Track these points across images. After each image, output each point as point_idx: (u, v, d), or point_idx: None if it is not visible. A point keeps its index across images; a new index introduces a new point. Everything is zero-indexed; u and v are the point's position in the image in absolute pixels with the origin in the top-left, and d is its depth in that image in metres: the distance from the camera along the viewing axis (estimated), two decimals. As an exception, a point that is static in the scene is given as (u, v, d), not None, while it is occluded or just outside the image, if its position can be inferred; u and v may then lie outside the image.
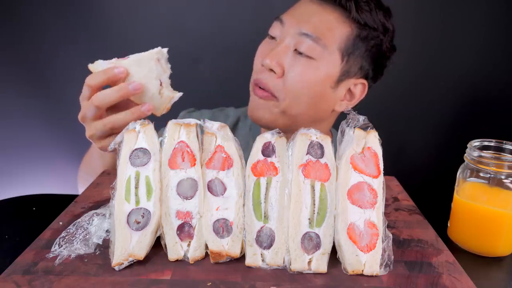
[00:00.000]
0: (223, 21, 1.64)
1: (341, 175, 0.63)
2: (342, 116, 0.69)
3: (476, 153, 0.76)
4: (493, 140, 0.80)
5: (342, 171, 0.63)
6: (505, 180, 0.75)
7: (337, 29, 0.92)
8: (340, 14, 0.93)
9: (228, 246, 0.63)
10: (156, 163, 0.64)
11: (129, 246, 0.61)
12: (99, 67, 0.74)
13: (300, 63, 0.92)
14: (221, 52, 1.67)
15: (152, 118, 0.76)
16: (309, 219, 0.62)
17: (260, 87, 0.96)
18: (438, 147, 1.72)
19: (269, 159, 0.65)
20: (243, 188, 0.65)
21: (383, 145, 0.64)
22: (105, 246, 0.65)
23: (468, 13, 1.57)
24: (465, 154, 0.78)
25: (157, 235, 0.65)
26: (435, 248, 0.69)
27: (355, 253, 0.60)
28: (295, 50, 0.93)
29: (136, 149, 0.65)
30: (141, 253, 0.62)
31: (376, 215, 0.62)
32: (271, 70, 0.93)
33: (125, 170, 0.64)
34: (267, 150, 0.65)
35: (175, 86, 0.81)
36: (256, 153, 0.65)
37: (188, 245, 0.64)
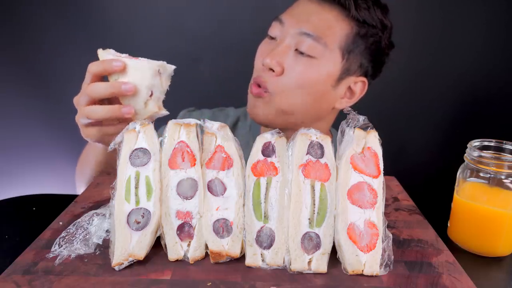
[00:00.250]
0: (223, 21, 1.64)
1: (341, 175, 0.63)
2: (342, 116, 0.68)
3: (476, 153, 0.76)
4: (493, 140, 0.80)
5: (342, 171, 0.63)
6: (505, 180, 0.75)
7: (337, 27, 0.93)
8: (339, 12, 0.93)
9: (228, 246, 0.63)
10: (156, 163, 0.64)
11: (129, 246, 0.61)
12: (106, 56, 0.74)
13: (301, 63, 0.92)
14: (221, 52, 1.67)
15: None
16: (309, 219, 0.62)
17: (257, 85, 0.96)
18: (438, 147, 1.72)
19: (269, 159, 0.65)
20: (243, 188, 0.65)
21: (383, 145, 0.64)
22: (105, 246, 0.65)
23: (468, 12, 1.57)
24: (465, 154, 0.78)
25: (157, 235, 0.65)
26: (435, 248, 0.69)
27: (355, 253, 0.60)
28: (296, 50, 0.93)
29: (136, 149, 0.65)
30: (141, 253, 0.62)
31: (376, 215, 0.62)
32: (271, 69, 0.93)
33: (125, 170, 0.64)
34: (267, 150, 0.65)
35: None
36: (256, 153, 0.65)
37: (188, 245, 0.64)
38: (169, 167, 0.64)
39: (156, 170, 0.64)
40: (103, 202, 0.79)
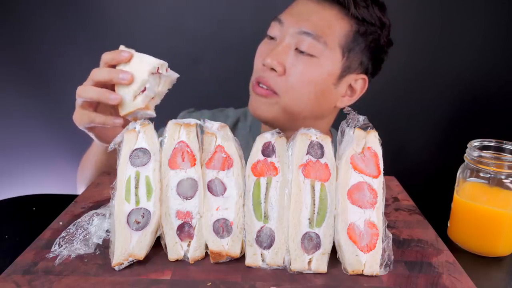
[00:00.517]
0: (223, 21, 1.64)
1: (341, 175, 0.63)
2: (342, 116, 0.68)
3: (476, 153, 0.76)
4: (493, 140, 0.80)
5: (342, 171, 0.63)
6: (505, 180, 0.75)
7: (336, 26, 0.93)
8: (338, 11, 0.94)
9: (228, 246, 0.63)
10: (156, 163, 0.64)
11: (129, 246, 0.61)
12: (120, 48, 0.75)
13: (302, 62, 0.92)
14: (221, 52, 1.67)
15: (151, 118, 0.76)
16: (309, 219, 0.62)
17: (260, 85, 0.96)
18: (438, 147, 1.72)
19: (269, 159, 0.65)
20: (243, 188, 0.65)
21: (383, 145, 0.64)
22: (105, 246, 0.65)
23: (467, 11, 1.57)
24: (465, 154, 0.78)
25: (157, 235, 0.65)
26: (435, 248, 0.69)
27: (355, 253, 0.60)
28: (296, 49, 0.93)
29: (136, 149, 0.65)
30: (141, 253, 0.62)
31: (376, 215, 0.62)
32: (273, 69, 0.93)
33: (125, 170, 0.64)
34: (267, 150, 0.65)
35: (175, 86, 0.81)
36: (256, 153, 0.65)
37: (188, 245, 0.64)
38: (169, 167, 0.64)
39: (156, 170, 0.64)
40: (103, 202, 0.79)
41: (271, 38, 0.98)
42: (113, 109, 0.81)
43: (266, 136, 0.66)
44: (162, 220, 0.64)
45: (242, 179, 0.65)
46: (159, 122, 0.75)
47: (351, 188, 0.62)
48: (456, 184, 0.81)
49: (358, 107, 0.75)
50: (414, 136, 1.72)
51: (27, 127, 1.75)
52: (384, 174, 0.64)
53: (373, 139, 0.64)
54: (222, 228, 0.64)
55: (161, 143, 0.66)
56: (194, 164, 0.65)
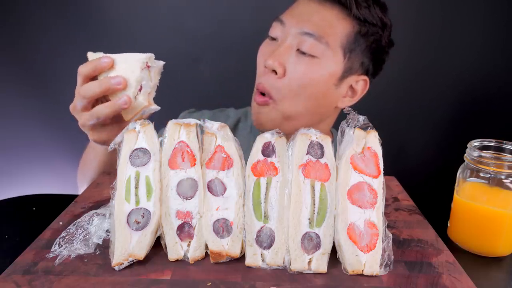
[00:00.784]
0: (223, 21, 1.64)
1: (341, 175, 0.63)
2: (342, 116, 0.68)
3: (476, 153, 0.76)
4: (493, 140, 0.80)
5: (342, 171, 0.63)
6: (505, 180, 0.75)
7: (338, 26, 0.93)
8: (339, 11, 0.93)
9: (228, 246, 0.63)
10: (156, 163, 0.64)
11: (129, 246, 0.61)
12: (90, 56, 0.74)
13: (304, 63, 0.92)
14: (221, 52, 1.67)
15: (151, 117, 0.76)
16: (309, 219, 0.62)
17: (260, 93, 0.96)
18: (438, 147, 1.72)
19: (269, 159, 0.65)
20: (243, 188, 0.65)
21: (383, 145, 0.64)
22: (105, 246, 0.65)
23: (468, 12, 1.57)
24: (465, 154, 0.78)
25: (157, 235, 0.65)
26: (435, 248, 0.69)
27: (355, 253, 0.60)
28: (298, 50, 0.93)
29: (136, 149, 0.65)
30: (141, 253, 0.62)
31: (376, 215, 0.62)
32: (273, 71, 0.93)
33: (125, 170, 0.64)
34: (267, 150, 0.65)
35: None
36: (256, 153, 0.65)
37: (188, 245, 0.64)
38: (169, 167, 0.64)
39: (156, 170, 0.64)
40: (103, 202, 0.79)
41: (273, 38, 0.98)
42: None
43: (266, 136, 0.66)
44: (162, 220, 0.64)
45: (242, 179, 0.65)
46: (159, 123, 0.75)
47: (351, 188, 0.62)
48: (456, 184, 0.81)
49: (358, 107, 0.75)
50: (414, 136, 1.72)
51: (27, 127, 1.75)
52: (384, 174, 0.63)
53: (373, 139, 0.64)
54: (222, 228, 0.64)
55: (161, 143, 0.66)
56: (194, 164, 0.65)
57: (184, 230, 0.64)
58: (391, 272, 0.61)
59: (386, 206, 0.81)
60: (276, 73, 0.93)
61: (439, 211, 0.85)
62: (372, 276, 0.61)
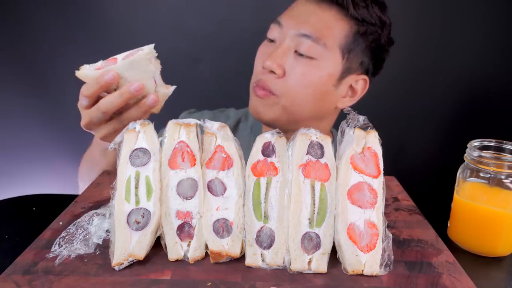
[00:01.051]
0: (223, 21, 1.64)
1: (341, 175, 0.63)
2: (342, 116, 0.69)
3: (476, 153, 0.76)
4: (493, 140, 0.80)
5: (342, 171, 0.63)
6: (505, 180, 0.75)
7: (336, 27, 0.93)
8: (337, 12, 0.93)
9: (228, 246, 0.63)
10: (156, 163, 0.64)
11: (129, 246, 0.61)
12: (87, 74, 0.74)
13: (302, 64, 0.92)
14: (221, 52, 1.67)
15: (151, 117, 0.76)
16: (309, 219, 0.62)
17: (261, 88, 0.96)
18: (438, 147, 1.72)
19: (269, 159, 0.65)
20: (243, 188, 0.65)
21: (383, 145, 0.64)
22: (105, 246, 0.65)
23: (468, 11, 1.57)
24: (465, 154, 0.78)
25: (157, 235, 0.65)
26: (435, 248, 0.69)
27: (355, 253, 0.60)
28: (296, 51, 0.93)
29: (136, 149, 0.65)
30: (141, 253, 0.62)
31: (376, 215, 0.62)
32: (272, 72, 0.93)
33: (125, 170, 0.64)
34: (267, 150, 0.65)
35: (174, 85, 0.81)
36: (256, 153, 0.65)
37: (188, 245, 0.64)
38: (169, 167, 0.64)
39: (156, 170, 0.64)
40: (103, 202, 0.79)
41: (271, 40, 0.98)
42: None
43: (266, 136, 0.66)
44: (162, 220, 0.64)
45: (242, 179, 0.65)
46: (159, 123, 0.75)
47: (351, 188, 0.62)
48: (456, 184, 0.81)
49: (358, 107, 0.75)
50: (414, 136, 1.72)
51: (27, 127, 1.75)
52: (384, 174, 0.63)
53: (373, 139, 0.64)
54: (222, 228, 0.64)
55: (161, 143, 0.66)
56: (194, 164, 0.65)
57: (184, 230, 0.64)
58: (391, 272, 0.61)
59: (386, 206, 0.81)
60: (275, 74, 0.93)
61: (439, 211, 0.85)
62: (372, 276, 0.61)
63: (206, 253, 0.64)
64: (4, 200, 0.97)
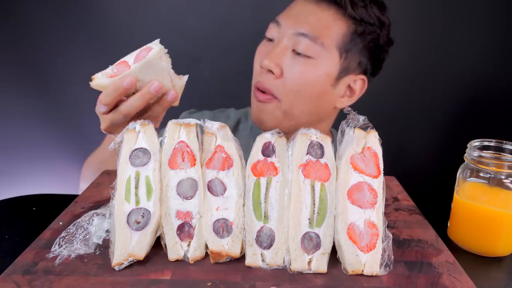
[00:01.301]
0: (223, 21, 1.64)
1: (341, 175, 0.63)
2: (342, 116, 0.69)
3: (476, 153, 0.76)
4: (493, 140, 0.80)
5: (342, 171, 0.63)
6: (505, 180, 0.75)
7: (333, 26, 0.93)
8: (335, 11, 0.93)
9: (228, 246, 0.63)
10: (156, 163, 0.64)
11: (129, 246, 0.61)
12: (102, 83, 0.74)
13: (299, 63, 0.92)
14: (221, 52, 1.67)
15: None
16: (309, 219, 0.62)
17: (260, 90, 0.96)
18: (438, 147, 1.72)
19: (269, 159, 0.65)
20: (243, 188, 0.65)
21: (383, 145, 0.64)
22: (105, 246, 0.65)
23: (468, 12, 1.57)
24: (465, 154, 0.78)
25: (157, 235, 0.65)
26: (435, 248, 0.68)
27: (355, 253, 0.60)
28: (293, 50, 0.93)
29: (136, 149, 0.65)
30: (141, 253, 0.62)
31: (376, 215, 0.62)
32: (270, 71, 0.93)
33: (125, 170, 0.64)
34: (267, 150, 0.65)
35: (187, 75, 0.83)
36: (256, 153, 0.65)
37: (188, 245, 0.64)
38: (169, 167, 0.64)
39: (156, 170, 0.64)
40: (103, 202, 0.79)
41: (270, 39, 0.98)
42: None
43: (266, 136, 0.66)
44: (162, 220, 0.64)
45: (242, 179, 0.65)
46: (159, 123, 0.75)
47: (351, 188, 0.62)
48: (456, 184, 0.81)
49: (358, 107, 0.75)
50: (414, 136, 1.72)
51: (27, 127, 1.75)
52: (384, 174, 0.63)
53: (373, 139, 0.64)
54: (222, 228, 0.64)
55: (161, 143, 0.66)
56: (194, 164, 0.65)
57: (184, 230, 0.64)
58: (391, 272, 0.61)
59: (386, 206, 0.81)
60: (273, 73, 0.93)
61: (439, 211, 0.85)
62: (372, 276, 0.61)
63: (206, 253, 0.64)
64: (4, 200, 0.97)
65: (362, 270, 0.61)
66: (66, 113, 1.73)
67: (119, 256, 0.60)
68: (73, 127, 1.74)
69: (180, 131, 0.66)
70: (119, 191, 0.63)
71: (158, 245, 0.65)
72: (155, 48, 0.76)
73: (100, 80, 0.74)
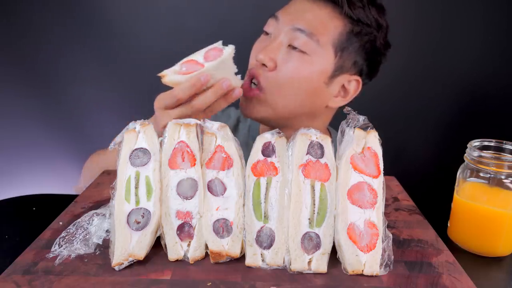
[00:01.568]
0: (223, 21, 1.64)
1: (341, 175, 0.63)
2: (342, 116, 0.69)
3: (476, 153, 0.76)
4: (493, 140, 0.80)
5: (342, 171, 0.63)
6: (505, 180, 0.75)
7: (330, 24, 0.93)
8: (332, 9, 0.94)
9: (228, 246, 0.63)
10: (156, 163, 0.64)
11: (129, 246, 0.61)
12: (176, 79, 0.78)
13: (294, 58, 0.93)
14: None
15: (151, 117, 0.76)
16: (309, 219, 0.62)
17: (251, 81, 0.96)
18: (438, 147, 1.72)
19: (269, 159, 0.65)
20: (243, 188, 0.65)
21: (383, 145, 0.64)
22: (105, 246, 0.65)
23: (467, 13, 1.57)
24: (465, 154, 0.78)
25: (157, 235, 0.65)
26: (435, 248, 0.69)
27: (355, 253, 0.60)
28: (289, 45, 0.93)
29: (136, 149, 0.65)
30: (141, 253, 0.62)
31: (376, 215, 0.62)
32: (264, 65, 0.94)
33: (125, 170, 0.64)
34: (267, 150, 0.65)
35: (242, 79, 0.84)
36: (256, 153, 0.65)
37: (188, 245, 0.64)
38: (169, 167, 0.65)
39: (156, 170, 0.64)
40: (103, 202, 0.79)
41: (267, 34, 0.99)
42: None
43: (266, 136, 0.66)
44: (162, 220, 0.64)
45: (242, 179, 0.65)
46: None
47: (351, 188, 0.62)
48: (456, 184, 0.81)
49: (358, 107, 0.75)
50: (414, 136, 1.72)
51: (27, 127, 1.75)
52: (384, 174, 0.64)
53: (373, 139, 0.64)
54: (222, 228, 0.64)
55: (161, 143, 0.66)
56: (194, 164, 0.65)
57: (184, 230, 0.64)
58: (391, 272, 0.61)
59: (386, 206, 0.81)
60: (266, 67, 0.94)
61: (439, 211, 0.85)
62: (372, 276, 0.61)
63: (206, 253, 0.64)
64: (4, 200, 0.97)
65: (362, 270, 0.61)
66: (66, 113, 1.73)
67: (119, 256, 0.60)
68: (73, 127, 1.74)
69: (180, 131, 0.66)
70: (119, 191, 0.63)
71: (158, 245, 0.65)
72: (228, 49, 0.82)
73: (173, 76, 0.78)
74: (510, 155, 0.78)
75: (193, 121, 0.67)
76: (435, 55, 1.61)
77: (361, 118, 0.64)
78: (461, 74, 1.62)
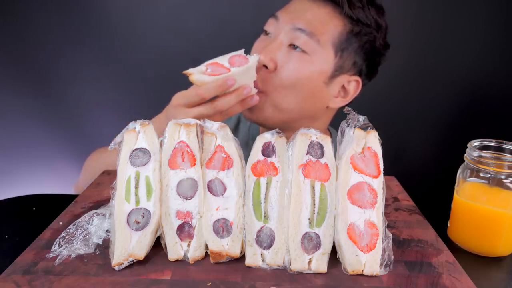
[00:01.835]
0: (223, 21, 1.64)
1: (341, 175, 0.63)
2: (342, 116, 0.69)
3: (476, 153, 0.76)
4: (493, 140, 0.80)
5: (342, 171, 0.63)
6: (505, 180, 0.75)
7: (330, 24, 0.93)
8: (332, 9, 0.94)
9: (228, 246, 0.63)
10: (156, 163, 0.64)
11: (129, 246, 0.61)
12: (202, 79, 0.81)
13: (294, 58, 0.93)
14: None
15: (151, 117, 0.76)
16: (309, 219, 0.62)
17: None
18: (438, 147, 1.72)
19: (269, 159, 0.65)
20: (243, 188, 0.65)
21: (383, 145, 0.64)
22: (105, 246, 0.65)
23: (468, 13, 1.57)
24: (465, 154, 0.78)
25: (157, 235, 0.65)
26: (435, 248, 0.69)
27: (355, 253, 0.60)
28: (290, 45, 0.93)
29: (136, 149, 0.65)
30: (141, 253, 0.62)
31: (376, 215, 0.62)
32: (265, 66, 0.94)
33: (125, 170, 0.64)
34: (267, 150, 0.65)
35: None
36: (256, 153, 0.65)
37: (188, 245, 0.64)
38: (169, 167, 0.65)
39: (156, 170, 0.64)
40: (103, 202, 0.79)
41: (267, 33, 0.99)
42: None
43: (266, 136, 0.66)
44: (162, 220, 0.64)
45: (242, 179, 0.65)
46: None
47: (351, 188, 0.62)
48: (456, 184, 0.81)
49: (358, 107, 0.75)
50: (414, 136, 1.72)
51: (27, 127, 1.75)
52: (384, 174, 0.63)
53: (373, 139, 0.64)
54: (222, 228, 0.64)
55: (161, 143, 0.66)
56: (194, 164, 0.65)
57: (184, 230, 0.64)
58: (391, 272, 0.61)
59: (386, 206, 0.81)
60: (267, 68, 0.94)
61: (439, 211, 0.85)
62: (372, 276, 0.61)
63: (206, 253, 0.64)
64: (4, 200, 0.97)
65: (362, 270, 0.61)
66: (66, 113, 1.73)
67: (119, 256, 0.60)
68: (73, 127, 1.74)
69: (180, 131, 0.66)
70: (119, 191, 0.64)
71: (158, 245, 0.65)
72: (254, 57, 0.86)
73: (200, 76, 0.82)
74: (510, 155, 0.78)
75: (193, 121, 0.67)
76: (436, 56, 1.61)
77: (361, 118, 0.64)
78: (461, 74, 1.62)
